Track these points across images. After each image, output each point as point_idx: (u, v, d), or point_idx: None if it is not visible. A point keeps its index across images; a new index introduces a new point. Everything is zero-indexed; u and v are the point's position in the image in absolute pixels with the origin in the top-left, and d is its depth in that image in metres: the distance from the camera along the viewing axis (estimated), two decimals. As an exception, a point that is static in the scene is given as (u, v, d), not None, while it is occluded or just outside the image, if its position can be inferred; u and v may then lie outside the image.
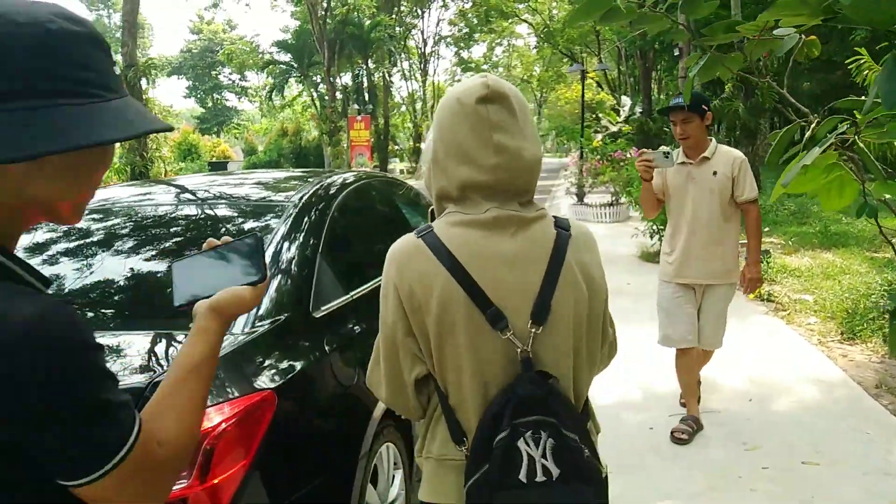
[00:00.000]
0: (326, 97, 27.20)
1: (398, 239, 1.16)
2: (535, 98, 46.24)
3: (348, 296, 2.18)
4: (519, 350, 1.08)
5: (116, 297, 1.92)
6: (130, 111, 0.70)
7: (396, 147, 35.31)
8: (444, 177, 1.15)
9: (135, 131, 0.68)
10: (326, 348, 1.90)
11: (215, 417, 1.41)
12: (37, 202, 0.69)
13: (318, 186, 2.41)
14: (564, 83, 36.12)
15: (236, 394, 1.49)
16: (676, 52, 14.47)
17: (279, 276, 1.91)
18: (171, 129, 0.78)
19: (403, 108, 36.89)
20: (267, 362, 1.67)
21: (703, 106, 3.10)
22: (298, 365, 1.74)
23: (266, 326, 1.75)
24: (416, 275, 1.10)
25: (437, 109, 1.21)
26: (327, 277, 2.08)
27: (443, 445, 1.15)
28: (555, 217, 1.20)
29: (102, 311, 1.82)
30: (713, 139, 3.21)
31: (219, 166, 25.59)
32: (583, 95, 17.05)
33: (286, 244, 2.02)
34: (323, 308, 1.99)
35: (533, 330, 1.10)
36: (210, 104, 50.58)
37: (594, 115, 21.32)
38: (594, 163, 12.34)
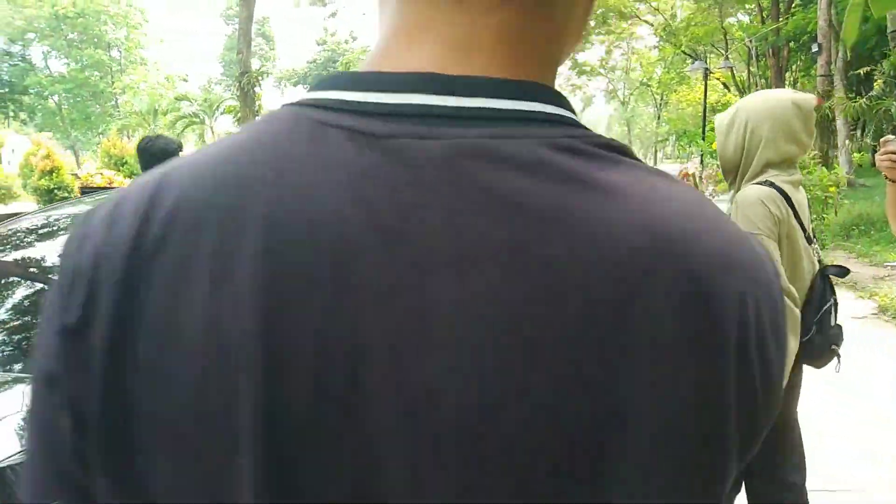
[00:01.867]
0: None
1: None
2: (654, 101, 44.19)
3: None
4: None
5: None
6: None
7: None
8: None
9: None
10: None
11: None
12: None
13: None
14: (687, 84, 34.15)
15: None
16: (815, 48, 13.03)
17: None
18: None
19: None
20: None
21: None
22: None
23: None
24: None
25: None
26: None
27: None
28: None
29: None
30: None
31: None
32: (705, 95, 15.84)
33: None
34: None
35: None
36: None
37: (719, 119, 19.67)
38: (715, 168, 11.30)
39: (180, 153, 3.09)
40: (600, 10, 31.57)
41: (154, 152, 2.97)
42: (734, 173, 1.91)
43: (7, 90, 38.33)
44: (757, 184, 1.80)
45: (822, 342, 1.81)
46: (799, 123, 1.82)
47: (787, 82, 21.74)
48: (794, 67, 21.48)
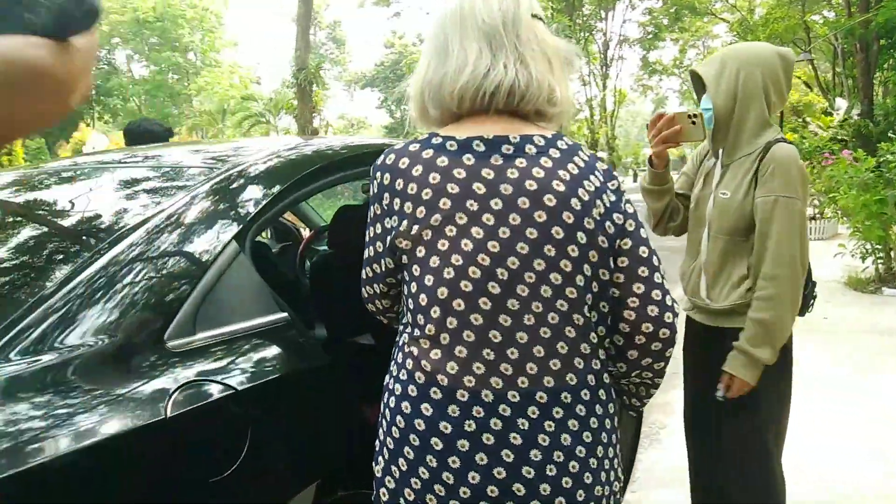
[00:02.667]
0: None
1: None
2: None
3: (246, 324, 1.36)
4: None
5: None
6: None
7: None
8: None
9: None
10: (170, 411, 1.11)
11: None
12: None
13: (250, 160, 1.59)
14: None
15: None
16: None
17: (126, 284, 1.19)
18: None
19: (581, 115, 35.51)
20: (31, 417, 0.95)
21: None
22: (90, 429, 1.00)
23: (57, 357, 1.04)
24: None
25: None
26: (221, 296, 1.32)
27: None
28: None
29: None
30: None
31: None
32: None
33: (164, 238, 1.31)
34: (187, 338, 1.23)
35: None
36: (398, 115, 53.11)
37: (801, 120, 18.48)
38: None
39: (170, 138, 3.39)
40: (673, 8, 30.31)
41: (139, 133, 3.25)
42: (725, 130, 1.83)
43: (93, 92, 40.51)
44: (776, 142, 1.76)
45: (809, 298, 1.90)
46: (783, 76, 1.81)
47: (877, 82, 20.11)
48: (885, 66, 19.85)
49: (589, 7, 32.37)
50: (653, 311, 1.08)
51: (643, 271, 1.08)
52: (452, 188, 1.04)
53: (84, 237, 1.41)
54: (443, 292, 1.04)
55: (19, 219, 1.57)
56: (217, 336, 1.27)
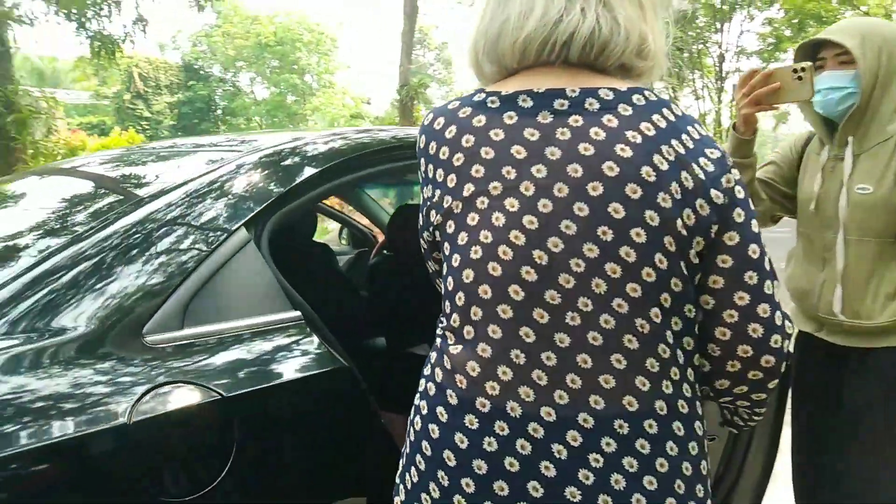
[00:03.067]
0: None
1: None
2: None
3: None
4: None
5: None
6: None
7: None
8: None
9: None
10: (133, 416, 0.95)
11: None
12: None
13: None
14: None
15: None
16: None
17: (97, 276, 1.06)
18: None
19: (694, 132, 33.66)
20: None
21: None
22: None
23: (21, 341, 0.91)
24: None
25: None
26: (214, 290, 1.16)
27: None
28: None
29: None
30: None
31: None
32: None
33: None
34: (171, 333, 1.08)
35: None
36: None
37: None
38: None
39: None
40: (796, 18, 28.46)
41: None
42: (860, 114, 1.54)
43: (221, 112, 43.58)
44: None
45: None
46: None
47: None
48: None
49: (703, 18, 30.95)
50: (756, 331, 0.82)
51: (751, 277, 0.82)
52: (487, 153, 0.83)
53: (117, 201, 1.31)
54: (468, 275, 0.83)
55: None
56: (210, 333, 1.12)
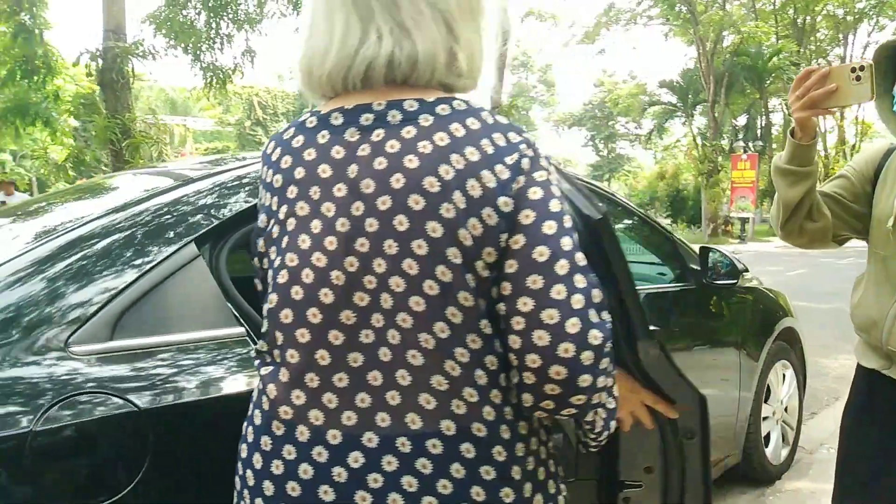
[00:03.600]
0: (709, 136, 24.93)
1: None
2: None
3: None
4: None
5: None
6: None
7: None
8: None
9: None
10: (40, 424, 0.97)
11: None
12: None
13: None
14: None
15: None
16: None
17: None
18: None
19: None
20: None
21: None
22: None
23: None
24: None
25: None
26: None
27: None
28: None
29: None
30: None
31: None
32: None
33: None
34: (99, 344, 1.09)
35: None
36: (605, 153, 52.26)
37: None
38: None
39: None
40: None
41: None
42: None
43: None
44: None
45: None
46: None
47: None
48: None
49: (824, 31, 28.98)
50: (542, 338, 0.74)
51: (534, 282, 0.75)
52: (299, 173, 0.83)
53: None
54: (272, 300, 0.84)
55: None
56: (140, 345, 1.13)
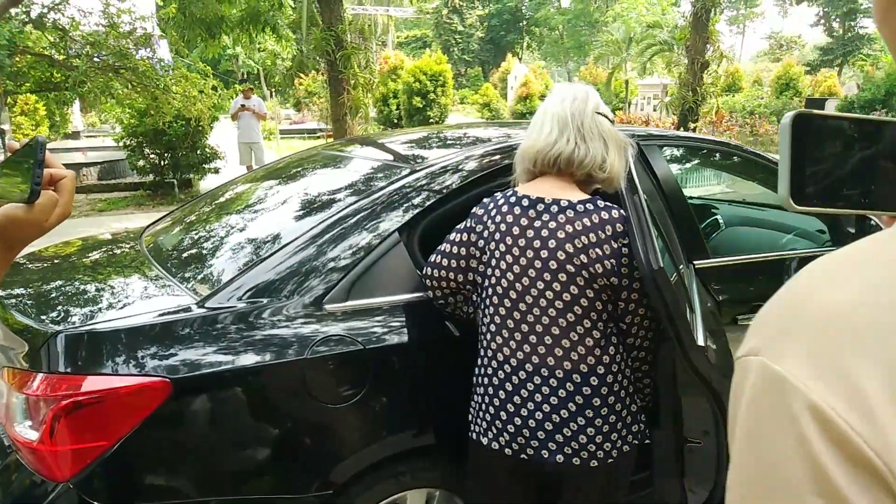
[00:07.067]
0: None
1: None
2: None
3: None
4: None
5: None
6: None
7: None
8: None
9: None
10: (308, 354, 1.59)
11: (68, 388, 1.40)
12: None
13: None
14: None
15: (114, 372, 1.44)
16: None
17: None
18: None
19: None
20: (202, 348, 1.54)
21: None
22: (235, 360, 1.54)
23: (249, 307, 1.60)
24: None
25: None
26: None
27: None
28: None
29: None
30: None
31: (815, 104, 22.65)
32: None
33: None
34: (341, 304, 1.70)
35: None
36: (840, 32, 44.77)
37: None
38: None
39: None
40: None
41: None
42: None
43: (525, 23, 44.70)
44: None
45: None
46: None
47: None
48: None
49: None
50: None
51: None
52: (502, 228, 1.55)
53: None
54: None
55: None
56: (365, 305, 1.71)
